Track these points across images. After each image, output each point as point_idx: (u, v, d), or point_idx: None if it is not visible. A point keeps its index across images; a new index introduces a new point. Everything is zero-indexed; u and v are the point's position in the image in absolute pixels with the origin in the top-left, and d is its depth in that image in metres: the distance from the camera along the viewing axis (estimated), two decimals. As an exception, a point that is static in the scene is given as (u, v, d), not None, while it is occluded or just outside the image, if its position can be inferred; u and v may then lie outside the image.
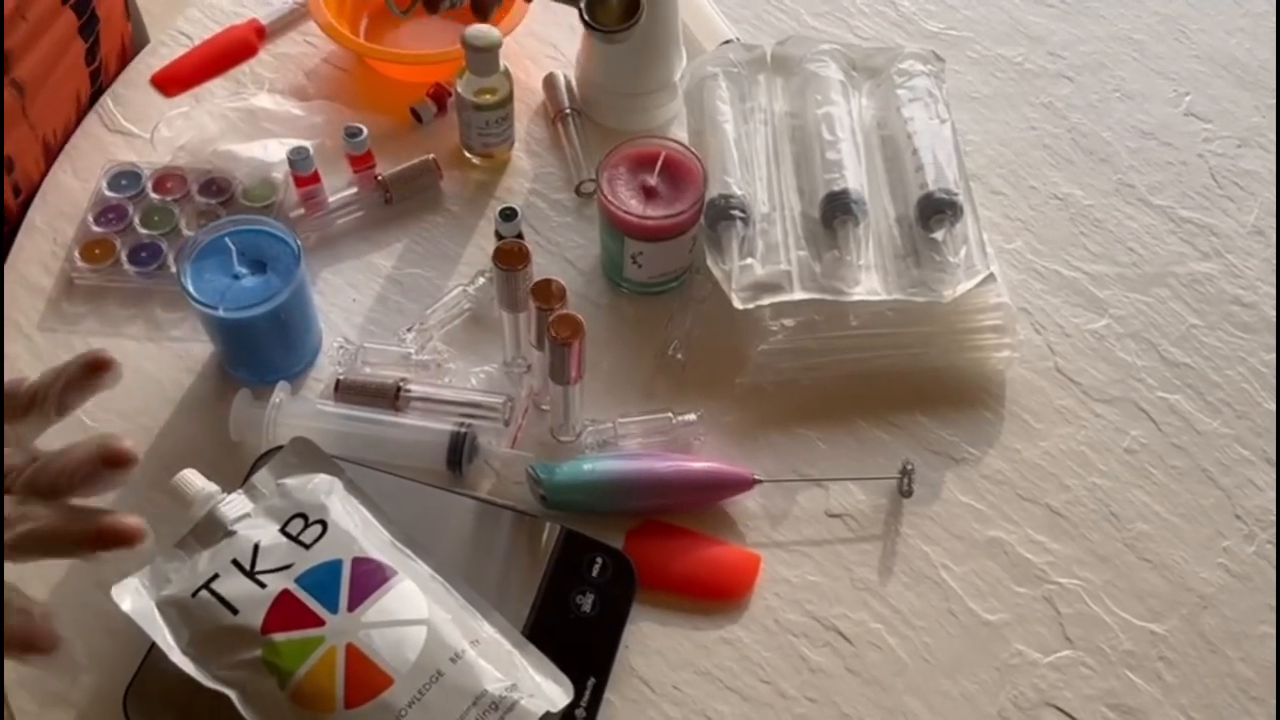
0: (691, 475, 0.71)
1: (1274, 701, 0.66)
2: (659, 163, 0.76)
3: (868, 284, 0.77)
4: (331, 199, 0.84)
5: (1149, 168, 0.91)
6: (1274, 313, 0.82)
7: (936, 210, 0.77)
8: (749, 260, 0.77)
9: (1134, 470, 0.75)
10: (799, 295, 0.76)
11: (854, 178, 0.79)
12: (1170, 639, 0.68)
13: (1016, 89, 0.96)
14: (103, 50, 0.91)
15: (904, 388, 0.77)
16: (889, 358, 0.77)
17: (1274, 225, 0.88)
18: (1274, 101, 0.95)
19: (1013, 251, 0.86)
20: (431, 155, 0.86)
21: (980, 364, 0.78)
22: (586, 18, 0.77)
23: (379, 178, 0.85)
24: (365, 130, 0.83)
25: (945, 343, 0.78)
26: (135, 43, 0.99)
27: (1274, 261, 0.85)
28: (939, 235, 0.77)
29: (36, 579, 0.68)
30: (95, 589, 0.67)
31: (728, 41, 0.91)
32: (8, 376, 0.75)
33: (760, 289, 0.76)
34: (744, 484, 0.71)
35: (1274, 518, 0.73)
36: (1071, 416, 0.77)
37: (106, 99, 0.91)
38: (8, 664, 0.64)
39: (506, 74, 0.84)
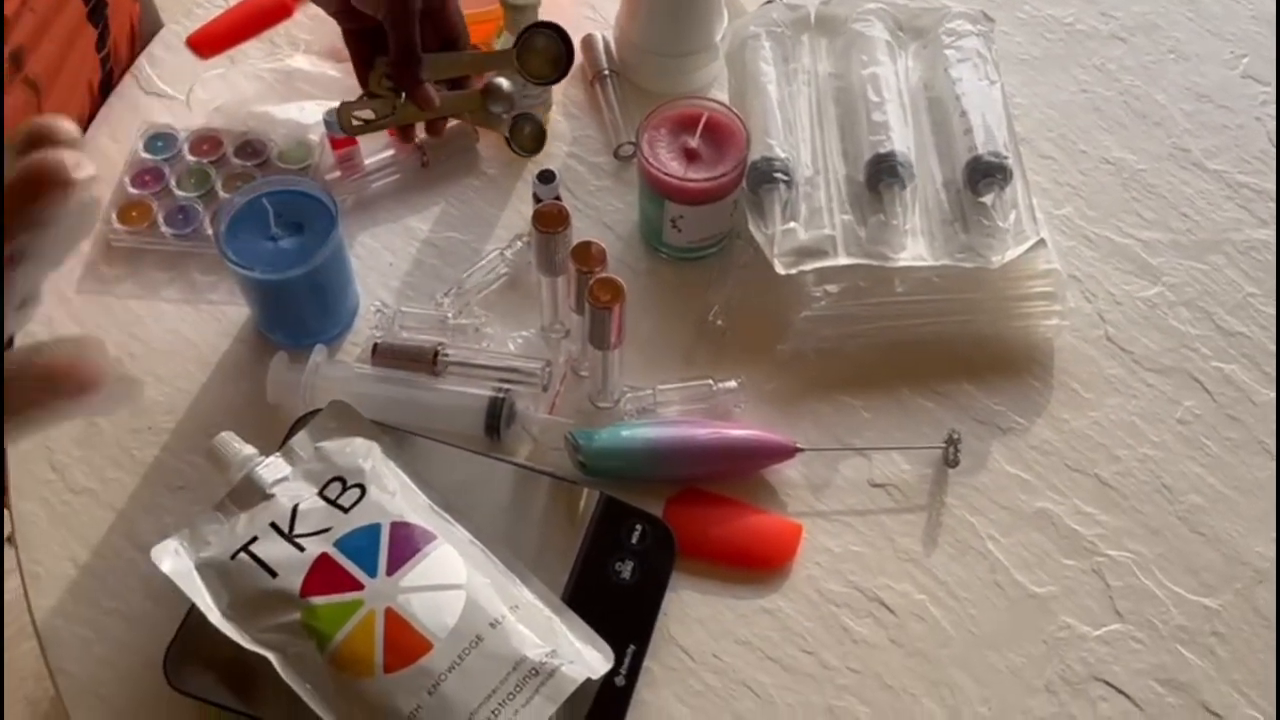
0: (732, 443, 0.70)
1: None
2: (701, 124, 0.74)
3: (914, 249, 0.75)
4: (368, 161, 0.83)
5: (1204, 131, 0.88)
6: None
7: (986, 174, 0.75)
8: (792, 224, 0.75)
9: (1187, 441, 0.73)
10: (843, 260, 0.74)
11: (900, 140, 0.77)
12: (1224, 614, 0.67)
13: (1067, 50, 0.94)
14: (112, 35, 0.88)
15: (950, 356, 0.75)
16: (935, 325, 0.76)
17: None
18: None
19: (1062, 217, 0.83)
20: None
21: (1028, 332, 0.76)
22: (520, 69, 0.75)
23: (415, 140, 0.84)
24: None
25: (993, 310, 0.76)
26: (144, 23, 0.95)
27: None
28: (988, 200, 0.75)
29: (75, 538, 0.68)
30: (133, 549, 0.67)
31: (770, 1, 0.89)
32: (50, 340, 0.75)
33: (803, 254, 0.74)
34: (785, 452, 0.70)
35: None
36: (1122, 386, 0.75)
37: (142, 60, 0.90)
38: (49, 620, 0.65)
39: (545, 34, 0.82)
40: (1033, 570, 0.68)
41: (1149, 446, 0.73)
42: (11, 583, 1.09)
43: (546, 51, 0.74)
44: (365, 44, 0.74)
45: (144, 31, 0.94)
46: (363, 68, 0.75)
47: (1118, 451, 0.72)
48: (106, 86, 0.89)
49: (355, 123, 0.76)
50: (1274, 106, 0.90)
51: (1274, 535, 0.69)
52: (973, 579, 0.67)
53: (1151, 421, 0.74)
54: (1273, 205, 0.84)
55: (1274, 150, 0.87)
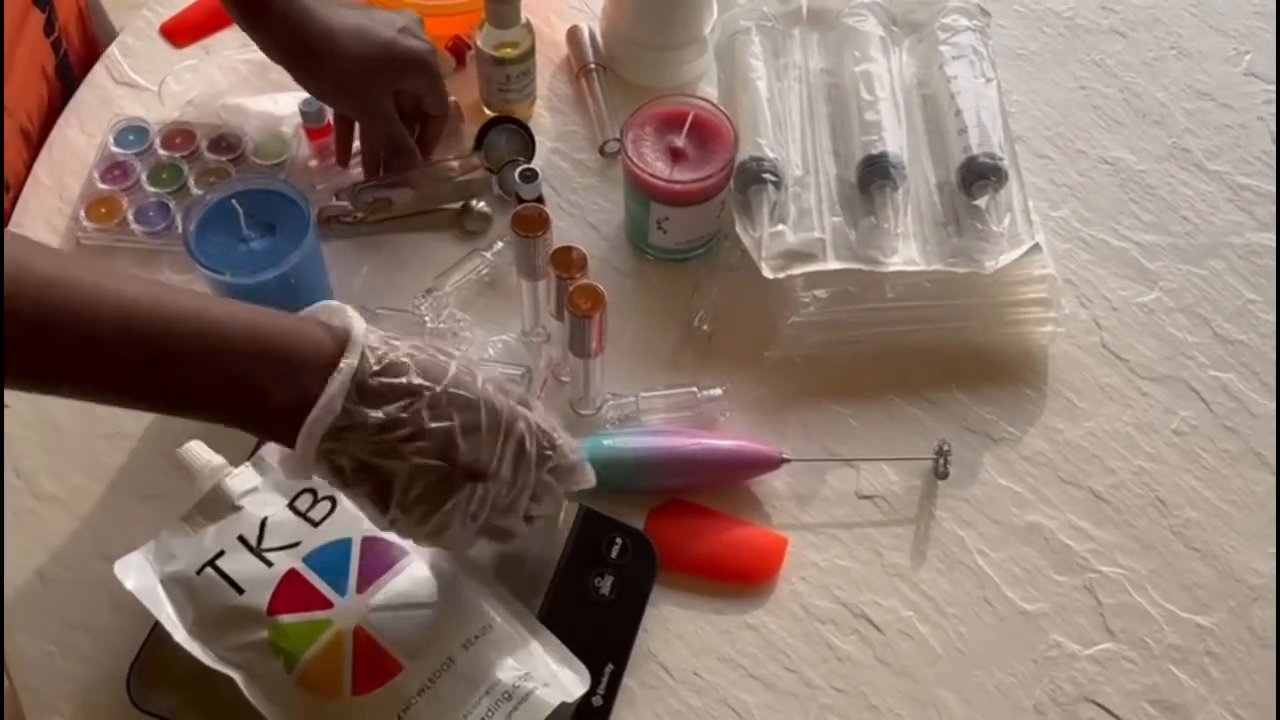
0: (717, 453, 0.68)
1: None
2: (687, 123, 0.72)
3: (905, 253, 0.73)
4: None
5: (1205, 131, 0.86)
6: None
7: (980, 176, 0.73)
8: (780, 227, 0.73)
9: (1183, 453, 0.71)
10: (833, 265, 0.72)
11: (893, 140, 0.75)
12: (1218, 632, 0.65)
13: (1065, 45, 0.91)
14: (60, 17, 0.85)
15: (941, 363, 0.74)
16: (926, 331, 0.74)
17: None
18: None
19: (1058, 219, 0.81)
20: (453, 98, 0.82)
21: (1022, 339, 0.74)
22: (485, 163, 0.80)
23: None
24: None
25: (986, 316, 0.74)
26: (91, 4, 0.92)
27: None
28: (982, 202, 0.73)
29: (40, 547, 0.66)
30: (99, 560, 0.65)
31: (761, -7, 0.87)
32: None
33: (792, 258, 0.72)
34: (771, 463, 0.68)
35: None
36: (1117, 395, 0.73)
37: (114, 49, 0.88)
38: (12, 633, 0.63)
39: (528, 26, 0.80)
40: (1023, 586, 0.66)
41: (1144, 458, 0.71)
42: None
43: (509, 146, 0.80)
44: (348, 123, 0.77)
45: (93, 12, 0.91)
46: (344, 144, 0.78)
47: (1112, 463, 0.71)
48: (64, 71, 0.86)
49: (329, 215, 0.78)
50: (1275, 106, 0.88)
51: (1272, 551, 0.68)
52: (961, 595, 0.66)
53: (1147, 432, 0.72)
54: (1274, 208, 0.82)
55: (1276, 151, 0.85)
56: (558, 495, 0.55)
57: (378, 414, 0.48)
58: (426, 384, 0.49)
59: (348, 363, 0.48)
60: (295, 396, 0.47)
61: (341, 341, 0.49)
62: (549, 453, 0.54)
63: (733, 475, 0.69)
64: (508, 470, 0.52)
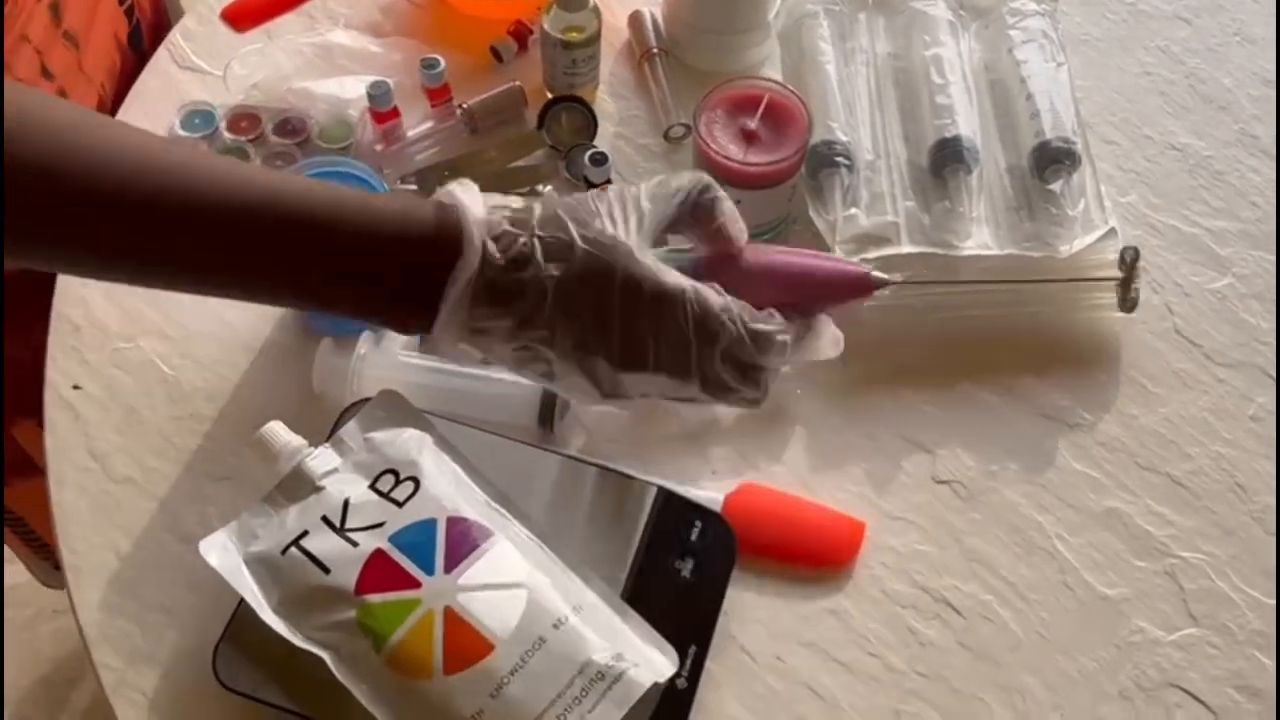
0: (789, 270, 0.60)
1: None
2: (762, 105, 0.72)
3: (979, 238, 0.73)
4: (410, 133, 0.81)
5: (1272, 117, 0.85)
6: None
7: (1054, 160, 0.73)
8: (853, 210, 0.72)
9: (1260, 439, 0.71)
10: (907, 248, 0.72)
11: (966, 123, 0.74)
12: (1300, 618, 0.65)
13: (1130, 31, 0.91)
14: None
15: (1014, 348, 0.73)
16: (999, 316, 0.73)
17: None
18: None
19: (1127, 205, 0.81)
20: (517, 82, 0.82)
21: (1094, 324, 0.74)
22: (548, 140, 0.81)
23: (463, 106, 0.81)
24: (442, 62, 0.79)
25: (1059, 301, 0.74)
26: None
27: None
28: (1056, 187, 0.72)
29: (116, 529, 0.66)
30: (179, 542, 0.65)
31: (825, -23, 0.86)
32: (86, 325, 0.73)
33: (865, 241, 0.72)
34: (859, 285, 0.60)
35: None
36: (1192, 381, 0.73)
37: (175, 34, 0.88)
38: (91, 614, 0.63)
39: (595, 10, 0.79)
40: (1103, 572, 0.66)
41: (1221, 444, 0.70)
42: (16, 568, 1.07)
43: (571, 123, 0.81)
44: None
45: None
46: None
47: (1189, 449, 0.70)
48: (135, 39, 0.86)
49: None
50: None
51: (1351, 537, 0.67)
52: (1041, 580, 0.65)
53: (1223, 418, 0.71)
54: (1344, 194, 0.81)
55: None
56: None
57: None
58: None
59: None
60: None
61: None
62: None
63: (812, 295, 0.60)
64: None
